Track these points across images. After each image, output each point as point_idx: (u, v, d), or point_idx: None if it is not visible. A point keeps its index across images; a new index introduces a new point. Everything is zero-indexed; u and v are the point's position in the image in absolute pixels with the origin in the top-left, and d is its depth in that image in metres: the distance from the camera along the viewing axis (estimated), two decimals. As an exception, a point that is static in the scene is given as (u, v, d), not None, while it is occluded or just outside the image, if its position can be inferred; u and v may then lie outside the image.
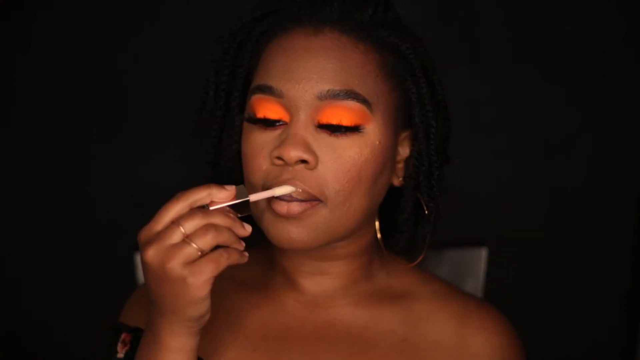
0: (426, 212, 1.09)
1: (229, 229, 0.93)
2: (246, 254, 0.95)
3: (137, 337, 1.11)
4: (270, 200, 1.02)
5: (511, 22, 1.95)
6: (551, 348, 2.05)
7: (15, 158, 1.96)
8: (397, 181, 1.10)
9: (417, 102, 1.07)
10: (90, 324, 1.81)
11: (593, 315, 2.05)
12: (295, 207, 1.01)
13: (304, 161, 1.01)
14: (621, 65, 1.96)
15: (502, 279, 1.70)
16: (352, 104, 1.01)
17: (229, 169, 1.12)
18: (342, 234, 1.05)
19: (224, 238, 0.92)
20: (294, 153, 1.00)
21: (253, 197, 0.98)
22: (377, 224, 1.12)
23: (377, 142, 1.03)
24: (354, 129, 1.02)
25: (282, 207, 1.01)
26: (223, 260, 0.92)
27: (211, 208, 0.94)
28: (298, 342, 1.09)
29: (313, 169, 1.01)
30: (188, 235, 0.91)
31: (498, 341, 1.11)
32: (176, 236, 0.91)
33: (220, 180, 1.13)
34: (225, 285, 1.14)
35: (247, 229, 0.95)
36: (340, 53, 1.02)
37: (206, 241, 0.91)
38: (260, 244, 1.17)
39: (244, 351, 1.09)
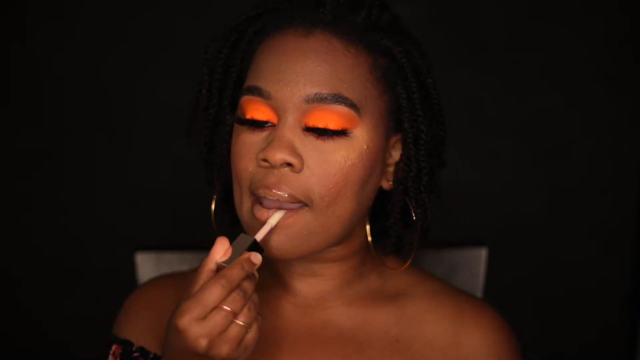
0: (414, 217, 1.08)
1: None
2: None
3: (126, 350, 1.12)
4: (254, 208, 1.01)
5: (511, 22, 1.95)
6: (551, 348, 2.05)
7: (15, 158, 1.96)
8: (386, 185, 1.08)
9: (406, 107, 1.05)
10: (89, 324, 1.81)
11: (593, 315, 2.05)
12: None
13: (289, 164, 1.00)
14: (621, 65, 1.96)
15: (502, 279, 1.70)
16: (340, 108, 1.00)
17: (220, 167, 1.12)
18: (327, 241, 1.04)
19: (256, 297, 0.96)
20: (279, 156, 0.99)
21: (258, 237, 0.98)
22: (367, 227, 1.10)
23: (365, 146, 1.02)
24: (341, 133, 1.00)
25: (263, 215, 1.00)
26: (259, 322, 0.95)
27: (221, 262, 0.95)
28: (292, 345, 1.09)
29: (298, 172, 1.00)
30: (235, 314, 0.93)
31: (493, 338, 1.11)
32: (226, 321, 0.92)
33: (212, 178, 1.13)
34: None
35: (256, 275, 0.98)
36: (330, 56, 1.01)
37: (251, 316, 0.94)
38: None
39: None
